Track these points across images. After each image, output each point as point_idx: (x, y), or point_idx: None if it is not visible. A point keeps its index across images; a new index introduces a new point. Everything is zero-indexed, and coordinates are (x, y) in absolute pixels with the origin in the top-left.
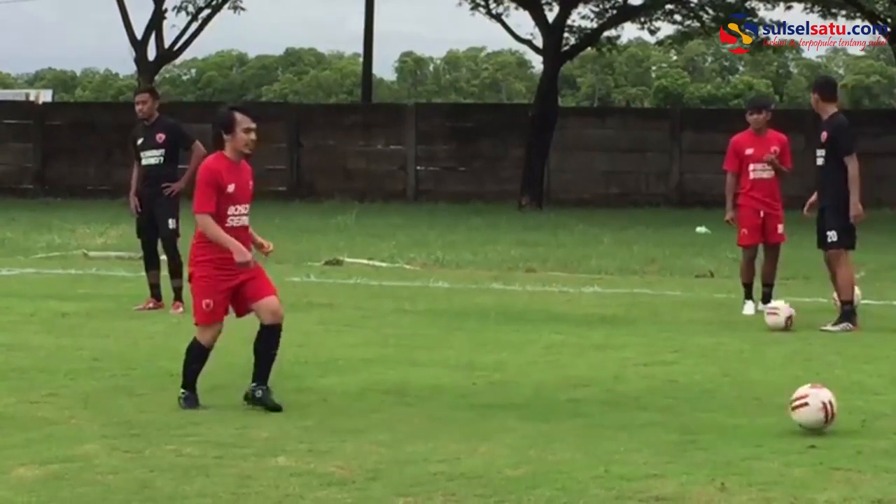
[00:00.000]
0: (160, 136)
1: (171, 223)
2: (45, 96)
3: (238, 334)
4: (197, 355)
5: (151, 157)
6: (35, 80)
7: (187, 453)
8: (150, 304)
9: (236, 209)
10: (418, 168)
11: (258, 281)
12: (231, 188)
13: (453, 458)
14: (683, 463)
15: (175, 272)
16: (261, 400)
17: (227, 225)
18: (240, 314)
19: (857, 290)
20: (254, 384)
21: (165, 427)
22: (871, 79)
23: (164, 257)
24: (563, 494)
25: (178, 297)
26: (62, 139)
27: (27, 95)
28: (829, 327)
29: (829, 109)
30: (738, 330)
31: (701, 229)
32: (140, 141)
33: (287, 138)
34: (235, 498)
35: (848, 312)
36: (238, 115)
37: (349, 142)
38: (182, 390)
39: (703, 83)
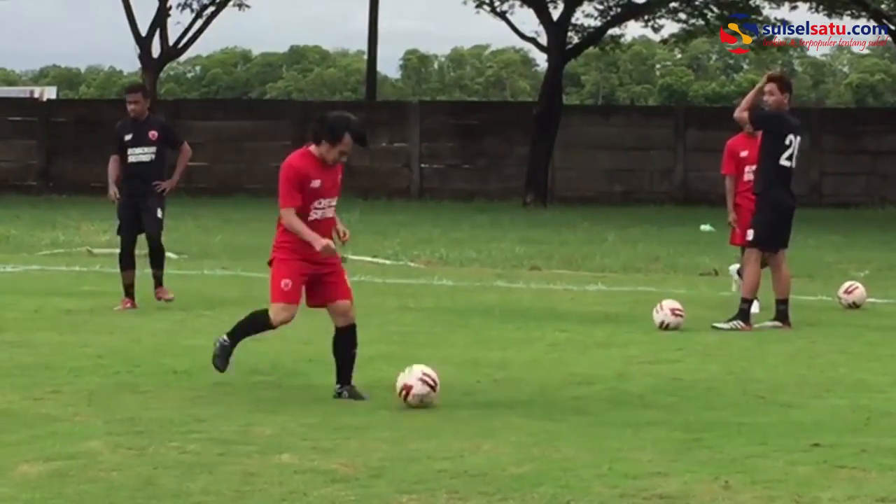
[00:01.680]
0: (153, 134)
1: (159, 213)
2: (50, 93)
3: None
4: (259, 324)
5: (143, 155)
6: (39, 77)
7: (191, 450)
8: (128, 305)
9: (320, 203)
10: (422, 166)
11: (337, 281)
12: (316, 184)
13: (457, 456)
14: (687, 461)
15: (158, 264)
16: (349, 398)
17: (310, 218)
18: (311, 304)
19: (861, 289)
20: (338, 385)
21: (169, 424)
22: (876, 77)
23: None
24: (567, 492)
25: (160, 283)
26: (66, 136)
27: (31, 92)
28: (720, 324)
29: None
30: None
31: (705, 227)
32: (129, 137)
33: (291, 136)
34: (239, 495)
35: (744, 311)
36: (347, 138)
37: None
38: (225, 337)
39: (708, 81)
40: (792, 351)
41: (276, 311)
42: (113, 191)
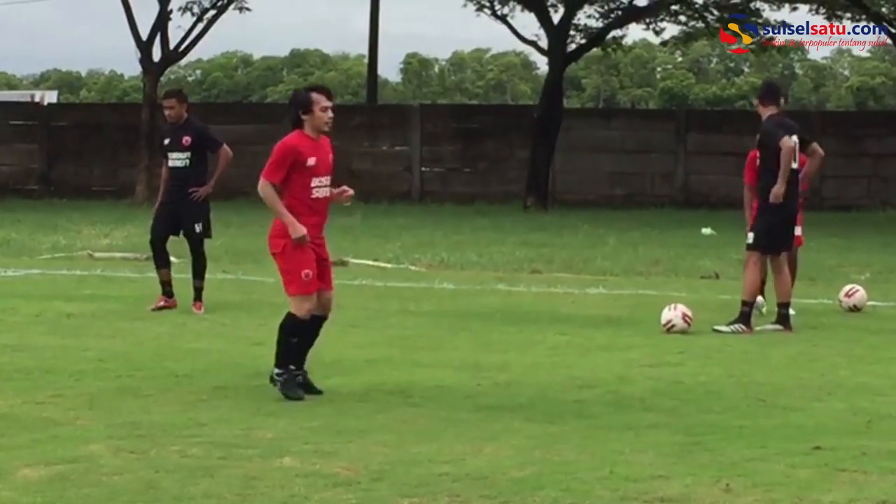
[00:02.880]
0: (186, 139)
1: (197, 228)
2: (51, 97)
3: (246, 336)
4: (294, 328)
5: (177, 160)
6: (40, 81)
7: (192, 454)
8: (162, 303)
9: (320, 181)
10: (423, 169)
11: (328, 269)
12: (312, 161)
13: (458, 459)
14: (688, 464)
15: (200, 273)
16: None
17: (312, 196)
18: None
19: (862, 292)
20: (293, 368)
21: (171, 428)
22: (877, 80)
23: (174, 259)
24: (568, 495)
25: (198, 297)
26: (67, 140)
27: (32, 96)
28: (721, 327)
29: (766, 112)
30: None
31: (706, 230)
32: (167, 142)
33: None
34: (241, 499)
35: (745, 314)
36: (315, 95)
37: (354, 143)
38: (277, 370)
39: (709, 84)
40: (793, 354)
41: (298, 304)
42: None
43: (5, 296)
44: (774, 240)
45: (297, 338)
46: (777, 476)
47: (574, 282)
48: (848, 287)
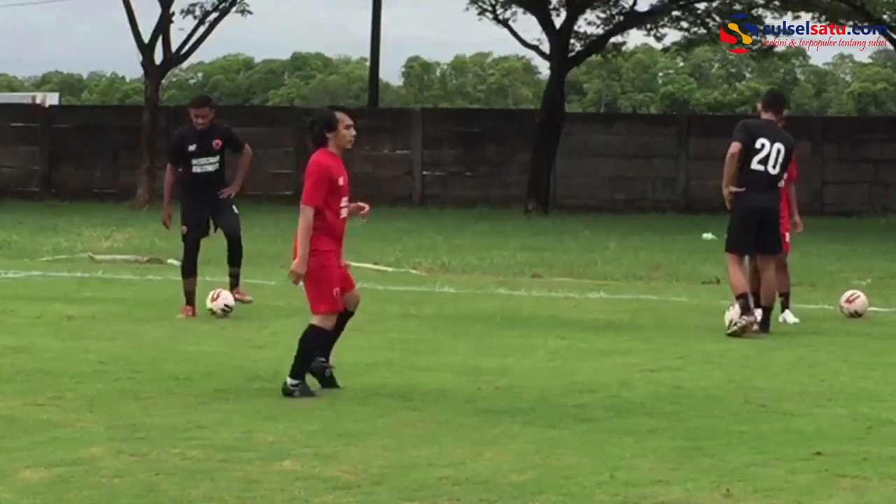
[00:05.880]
0: (217, 143)
1: (235, 209)
2: (52, 99)
3: (247, 339)
4: (318, 342)
5: (209, 165)
6: (42, 83)
7: (192, 457)
8: (190, 313)
9: (345, 201)
10: (424, 173)
11: (347, 274)
12: (341, 181)
13: (458, 463)
14: (689, 469)
15: (237, 260)
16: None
17: (340, 217)
18: None
19: (863, 298)
20: (322, 359)
21: (171, 430)
22: (878, 86)
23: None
24: (569, 500)
25: (236, 283)
26: (69, 142)
27: (34, 98)
28: (732, 325)
29: (763, 117)
30: (743, 336)
31: (707, 236)
32: (192, 148)
33: (293, 143)
34: (240, 502)
35: (743, 306)
36: (339, 114)
37: (355, 146)
38: (292, 382)
39: (710, 90)
40: (793, 359)
41: (326, 320)
42: (167, 213)
43: (6, 298)
44: (741, 239)
45: (317, 350)
46: (777, 482)
47: (575, 286)
48: (849, 293)
